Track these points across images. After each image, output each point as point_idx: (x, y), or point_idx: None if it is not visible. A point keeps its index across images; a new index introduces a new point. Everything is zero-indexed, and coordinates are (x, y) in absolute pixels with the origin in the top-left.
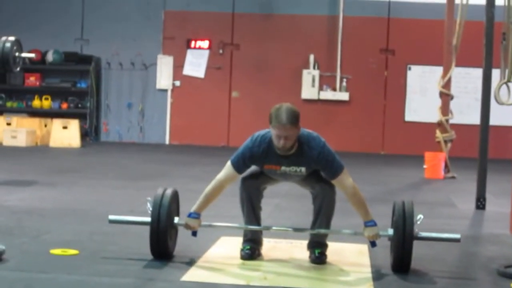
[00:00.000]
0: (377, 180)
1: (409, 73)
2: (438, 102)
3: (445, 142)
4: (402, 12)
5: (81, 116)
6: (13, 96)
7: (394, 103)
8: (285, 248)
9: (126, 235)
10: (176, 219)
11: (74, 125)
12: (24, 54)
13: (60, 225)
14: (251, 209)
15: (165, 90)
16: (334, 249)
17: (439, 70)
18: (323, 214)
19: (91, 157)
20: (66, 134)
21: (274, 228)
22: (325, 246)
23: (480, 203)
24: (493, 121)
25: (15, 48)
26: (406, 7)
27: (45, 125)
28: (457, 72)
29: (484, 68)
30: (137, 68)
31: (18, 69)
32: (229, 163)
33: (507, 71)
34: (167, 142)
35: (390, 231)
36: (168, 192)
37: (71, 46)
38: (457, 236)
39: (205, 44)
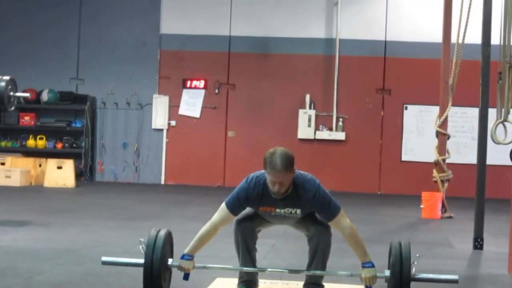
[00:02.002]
0: (374, 220)
1: (405, 112)
2: (434, 141)
3: (442, 181)
4: (398, 52)
5: (76, 156)
6: (7, 136)
7: (390, 142)
8: None
9: (121, 276)
10: (170, 261)
11: (68, 165)
12: (18, 94)
13: (54, 266)
14: (246, 251)
15: (161, 130)
16: None
17: (435, 109)
18: (319, 256)
19: (86, 197)
20: (60, 174)
21: (269, 270)
22: (321, 287)
23: (478, 243)
24: (490, 160)
25: (9, 87)
26: (402, 47)
27: (40, 165)
28: (453, 112)
29: (480, 108)
30: (133, 108)
31: (12, 108)
32: (223, 205)
33: (503, 110)
34: (162, 182)
35: (387, 273)
36: (161, 233)
37: (66, 85)
38: (455, 277)
39: (200, 83)
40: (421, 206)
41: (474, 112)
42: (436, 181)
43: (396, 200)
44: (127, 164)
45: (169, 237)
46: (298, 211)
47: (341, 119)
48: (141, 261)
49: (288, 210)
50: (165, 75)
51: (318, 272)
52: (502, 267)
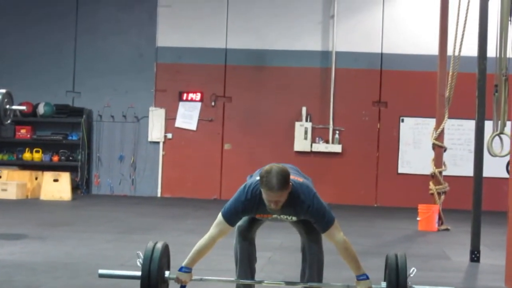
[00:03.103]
0: (370, 232)
1: (402, 125)
2: (431, 154)
3: (439, 194)
4: (395, 64)
5: (72, 169)
6: (3, 149)
7: (387, 155)
8: None
9: None
10: (167, 273)
11: (65, 178)
12: (15, 107)
13: (50, 279)
14: (247, 261)
15: (157, 143)
16: None
17: (432, 122)
18: (312, 269)
19: (82, 210)
20: (57, 187)
21: (266, 282)
22: None
23: (475, 256)
24: (487, 173)
25: (6, 100)
26: (398, 59)
27: (36, 178)
28: (450, 124)
29: (476, 120)
30: (129, 121)
31: (9, 121)
32: (220, 217)
33: (499, 122)
34: (159, 195)
35: (383, 284)
36: (158, 245)
37: (63, 98)
38: None
39: (197, 96)
40: (418, 218)
41: (471, 124)
42: (432, 194)
43: (393, 213)
44: (124, 177)
45: (166, 249)
46: (294, 218)
47: (337, 132)
48: (138, 273)
49: (284, 217)
50: (162, 88)
51: (314, 285)
52: (499, 279)
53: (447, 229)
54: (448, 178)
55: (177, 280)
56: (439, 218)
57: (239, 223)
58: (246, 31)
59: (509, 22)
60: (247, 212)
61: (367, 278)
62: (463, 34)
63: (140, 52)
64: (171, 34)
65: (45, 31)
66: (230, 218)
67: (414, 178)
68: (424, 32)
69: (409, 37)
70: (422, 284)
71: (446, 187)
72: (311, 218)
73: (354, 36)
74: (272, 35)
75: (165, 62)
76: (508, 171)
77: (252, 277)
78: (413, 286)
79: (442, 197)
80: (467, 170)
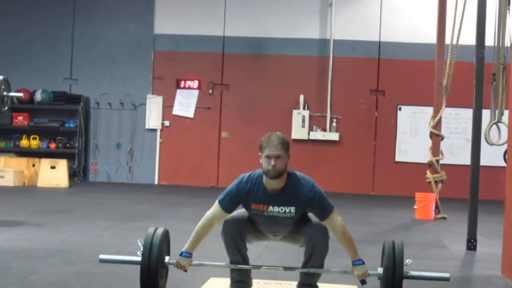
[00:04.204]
0: (367, 221)
1: (399, 113)
2: (428, 142)
3: (436, 182)
4: (393, 53)
5: (69, 156)
6: (0, 136)
7: (384, 143)
8: None
9: (114, 277)
10: (166, 259)
11: (62, 165)
12: (12, 94)
13: (47, 266)
14: (236, 250)
15: (155, 130)
16: None
17: (429, 110)
18: (316, 255)
19: (79, 198)
20: (54, 174)
21: (264, 267)
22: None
23: (471, 244)
24: (484, 161)
25: (3, 87)
26: (396, 48)
27: (33, 165)
28: (447, 113)
29: (474, 109)
30: (126, 108)
31: (6, 108)
32: (216, 202)
33: (497, 111)
34: (156, 182)
35: (380, 270)
36: (159, 231)
37: (60, 85)
38: (447, 275)
39: (194, 84)
40: (415, 207)
41: (468, 113)
42: (429, 182)
43: (390, 201)
44: (121, 165)
45: (166, 235)
46: (292, 209)
47: (335, 120)
48: (138, 258)
49: (282, 209)
50: (159, 76)
51: (312, 270)
52: (495, 268)
53: (444, 218)
54: (445, 166)
55: (177, 265)
56: (436, 206)
57: (228, 217)
58: (244, 19)
59: (508, 11)
60: (242, 197)
61: (363, 263)
62: (461, 23)
63: (138, 39)
64: (168, 21)
65: (43, 18)
66: (225, 203)
67: (411, 167)
68: (422, 21)
69: (407, 25)
70: (418, 271)
71: (443, 175)
72: (311, 204)
73: (352, 25)
74: (270, 23)
75: (162, 50)
76: (505, 160)
77: (246, 264)
78: (410, 272)
79: (439, 185)
80: (464, 159)
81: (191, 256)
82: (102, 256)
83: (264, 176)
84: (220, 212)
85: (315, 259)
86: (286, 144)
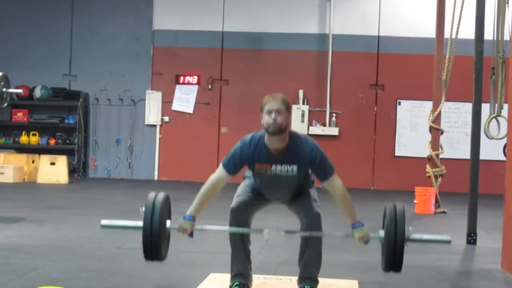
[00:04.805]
0: (367, 215)
1: (399, 108)
2: (428, 137)
3: (436, 177)
4: (392, 47)
5: (69, 152)
6: (0, 132)
7: (384, 138)
8: (275, 285)
9: (114, 273)
10: (168, 223)
11: (62, 161)
12: (11, 90)
13: (47, 262)
14: (241, 243)
15: (154, 126)
16: (325, 285)
17: (429, 104)
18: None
19: (79, 194)
20: (53, 170)
21: (266, 230)
22: (315, 282)
23: (471, 238)
24: (484, 155)
25: (2, 83)
26: (395, 42)
27: (33, 161)
28: (447, 107)
29: (473, 103)
30: (126, 104)
31: (5, 104)
32: (221, 165)
33: (496, 105)
34: (155, 178)
35: (381, 233)
36: (160, 196)
37: (59, 81)
38: (448, 238)
39: (194, 79)
40: (415, 201)
41: (468, 107)
42: (429, 176)
43: (390, 196)
44: (120, 160)
45: (167, 200)
46: (295, 168)
47: (334, 115)
48: (140, 223)
49: (284, 168)
50: (158, 71)
51: (314, 233)
52: (495, 262)
53: (444, 212)
54: (445, 161)
55: (179, 228)
56: (436, 201)
57: (233, 204)
58: (243, 14)
59: (507, 4)
60: (245, 157)
61: (362, 225)
62: (460, 17)
63: (137, 35)
64: (167, 17)
65: (42, 14)
66: (229, 165)
67: (411, 161)
68: (421, 15)
69: (406, 20)
70: (418, 267)
71: (443, 170)
72: (314, 163)
73: (351, 19)
74: (269, 18)
75: (161, 45)
76: (505, 154)
77: (248, 259)
78: (411, 234)
79: (439, 180)
80: (464, 153)
81: (194, 220)
82: (103, 222)
83: (266, 137)
84: (225, 175)
85: (310, 252)
86: (286, 102)
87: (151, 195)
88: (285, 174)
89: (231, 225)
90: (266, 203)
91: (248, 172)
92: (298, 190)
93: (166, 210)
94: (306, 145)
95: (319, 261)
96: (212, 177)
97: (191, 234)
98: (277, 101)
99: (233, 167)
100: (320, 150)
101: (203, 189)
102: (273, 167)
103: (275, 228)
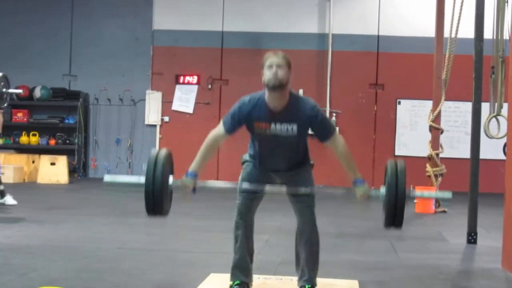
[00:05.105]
0: (368, 215)
1: (398, 107)
2: (428, 136)
3: (436, 176)
4: (391, 47)
5: (69, 152)
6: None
7: (384, 137)
8: (275, 285)
9: (114, 273)
10: (171, 179)
11: (62, 161)
12: (11, 90)
13: (47, 262)
14: (245, 242)
15: (154, 126)
16: (325, 285)
17: (428, 104)
18: (309, 252)
19: (79, 194)
20: (54, 170)
21: (268, 186)
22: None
23: (472, 238)
24: (484, 154)
25: (2, 84)
26: (395, 42)
27: (33, 162)
28: (447, 106)
29: (473, 102)
30: (126, 104)
31: (5, 105)
32: (221, 122)
33: (496, 104)
34: None
35: (383, 190)
36: (162, 152)
37: (59, 82)
38: (449, 194)
39: (193, 79)
40: (415, 200)
41: (467, 106)
42: (429, 176)
43: None
44: (121, 160)
45: (169, 156)
46: (295, 127)
47: (334, 114)
48: (142, 179)
49: (284, 127)
50: (158, 71)
51: (309, 189)
52: (496, 261)
53: (444, 211)
54: (445, 160)
55: (181, 184)
56: (436, 200)
57: (239, 202)
58: (243, 14)
59: (506, 3)
60: (244, 114)
61: (363, 182)
62: (459, 16)
63: (136, 35)
64: (167, 17)
65: (42, 14)
66: (228, 124)
67: (411, 161)
68: (420, 14)
69: (405, 19)
70: (419, 266)
71: (443, 169)
72: (314, 121)
73: (350, 19)
74: (268, 18)
75: (161, 45)
76: (505, 153)
77: (251, 256)
78: (412, 191)
79: (439, 179)
80: (464, 152)
81: (196, 177)
82: (107, 178)
83: (266, 94)
84: (223, 134)
85: (307, 256)
86: (288, 59)
87: (154, 151)
88: (285, 133)
89: (238, 222)
90: (267, 179)
91: (246, 155)
92: (298, 160)
93: (168, 166)
94: (306, 104)
95: (317, 260)
96: (212, 134)
97: (194, 190)
98: (278, 56)
99: (232, 126)
100: (320, 110)
101: (204, 146)
102: (273, 125)
103: (275, 230)
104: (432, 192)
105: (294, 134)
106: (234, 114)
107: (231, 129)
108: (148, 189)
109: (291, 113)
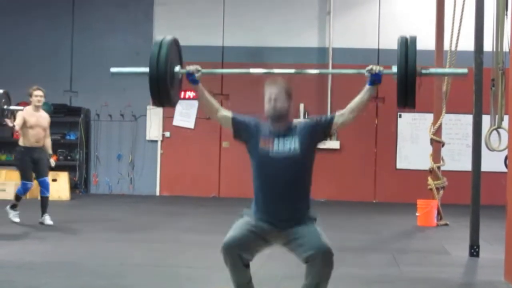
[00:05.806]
0: (370, 228)
1: (399, 120)
2: (429, 149)
3: (437, 189)
4: (391, 60)
5: (70, 168)
6: (1, 149)
7: (385, 150)
8: None
9: None
10: (177, 68)
11: (63, 177)
12: (12, 107)
13: (50, 279)
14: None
15: (155, 141)
16: None
17: (429, 117)
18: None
19: (81, 210)
20: (55, 186)
21: (276, 70)
22: None
23: (474, 250)
24: (485, 167)
25: (3, 100)
26: (395, 54)
27: (35, 178)
28: (447, 119)
29: (474, 115)
30: (127, 119)
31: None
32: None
33: (497, 117)
34: (157, 193)
35: (394, 68)
36: (167, 38)
37: (60, 98)
38: (465, 70)
39: (194, 94)
40: (417, 214)
41: (468, 119)
42: (431, 189)
43: (392, 208)
44: (122, 176)
45: (175, 43)
46: (297, 142)
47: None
48: (147, 69)
49: (286, 144)
50: None
51: (330, 71)
52: (498, 273)
53: (446, 224)
54: (447, 173)
55: (188, 70)
56: (438, 213)
57: (227, 238)
58: (243, 29)
59: (505, 16)
60: (251, 125)
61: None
62: (459, 29)
63: (137, 50)
64: (167, 32)
65: (42, 30)
66: (237, 114)
67: (413, 174)
68: (420, 27)
69: (405, 32)
70: (422, 279)
71: (445, 182)
72: (314, 124)
73: (350, 32)
74: (268, 32)
75: None
76: (506, 165)
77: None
78: (425, 69)
79: (441, 192)
80: (465, 164)
81: (198, 83)
82: (113, 70)
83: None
84: (228, 114)
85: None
86: (287, 88)
87: (158, 38)
88: (287, 154)
89: (225, 259)
90: (264, 238)
91: (246, 210)
92: (301, 197)
93: (174, 53)
94: (303, 121)
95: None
96: (220, 107)
97: (196, 81)
98: (277, 87)
99: (240, 118)
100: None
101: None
102: (276, 142)
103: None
104: (445, 69)
105: (296, 152)
106: (246, 117)
107: (237, 119)
108: (152, 78)
109: (291, 128)
